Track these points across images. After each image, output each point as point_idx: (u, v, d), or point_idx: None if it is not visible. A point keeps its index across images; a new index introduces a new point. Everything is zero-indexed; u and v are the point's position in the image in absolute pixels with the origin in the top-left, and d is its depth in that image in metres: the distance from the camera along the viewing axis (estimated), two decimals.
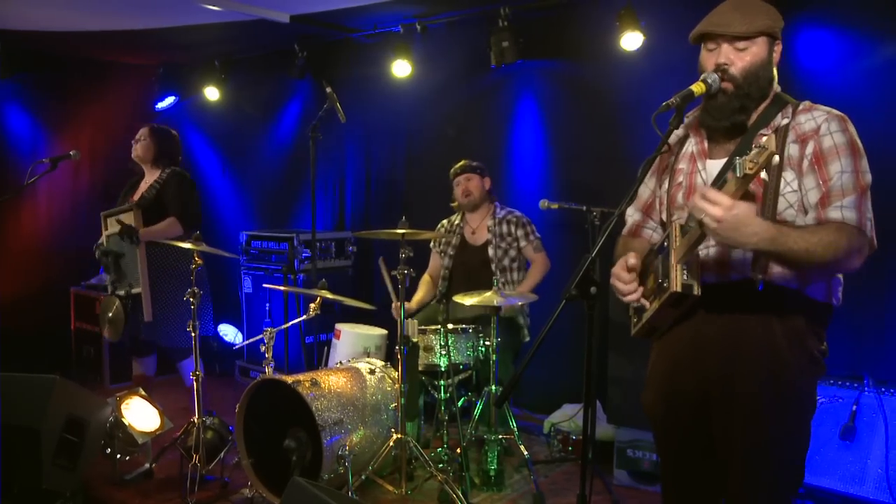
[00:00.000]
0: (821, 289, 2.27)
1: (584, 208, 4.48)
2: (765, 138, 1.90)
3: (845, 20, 4.27)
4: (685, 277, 2.12)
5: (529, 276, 4.92)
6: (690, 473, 2.46)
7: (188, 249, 4.32)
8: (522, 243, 4.94)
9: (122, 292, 4.75)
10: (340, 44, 6.65)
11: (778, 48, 2.33)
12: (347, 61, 6.69)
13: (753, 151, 1.90)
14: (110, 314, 4.75)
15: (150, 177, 4.99)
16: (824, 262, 2.11)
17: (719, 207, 1.95)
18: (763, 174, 2.11)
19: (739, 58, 2.26)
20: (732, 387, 2.26)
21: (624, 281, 2.31)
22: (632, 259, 2.31)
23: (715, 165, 2.34)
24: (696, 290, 2.13)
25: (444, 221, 5.29)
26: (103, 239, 4.88)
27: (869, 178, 2.20)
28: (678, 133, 2.52)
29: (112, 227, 4.77)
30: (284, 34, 6.33)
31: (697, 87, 2.24)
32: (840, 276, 2.33)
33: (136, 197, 4.92)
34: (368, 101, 6.51)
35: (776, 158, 2.02)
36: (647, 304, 2.30)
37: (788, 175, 2.21)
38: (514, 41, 5.30)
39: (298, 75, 6.63)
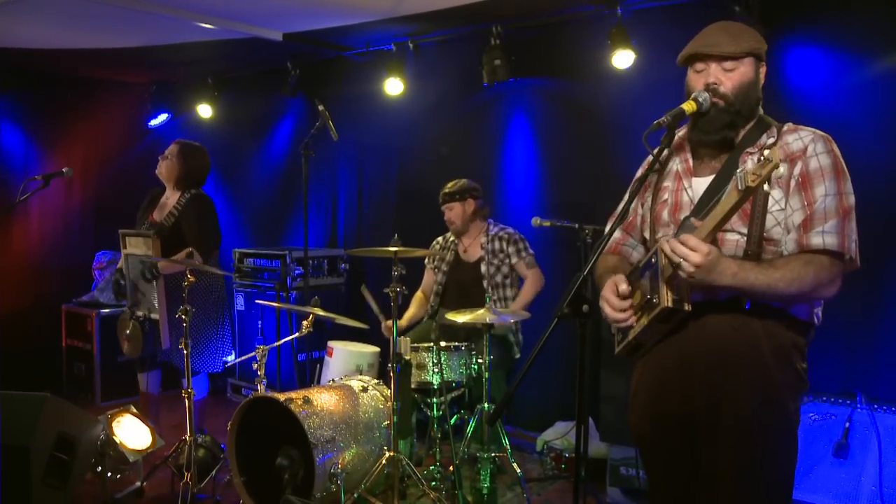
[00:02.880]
0: (804, 308, 2.31)
1: (577, 226, 4.48)
2: (767, 151, 1.92)
3: (832, 39, 4.31)
4: (675, 293, 2.14)
5: (522, 294, 4.89)
6: (679, 492, 2.45)
7: (203, 273, 4.42)
8: (514, 260, 4.93)
9: (140, 314, 4.69)
10: (333, 62, 6.68)
11: (763, 70, 2.37)
12: (340, 79, 6.72)
13: (755, 164, 1.92)
14: (128, 332, 4.72)
15: (171, 197, 4.84)
16: (788, 296, 2.19)
17: (699, 254, 2.04)
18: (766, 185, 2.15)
19: (728, 77, 2.30)
20: (720, 405, 2.26)
21: (615, 307, 2.33)
22: (623, 285, 2.32)
23: (701, 183, 2.36)
24: (687, 306, 2.15)
25: (440, 238, 5.30)
26: (122, 261, 4.77)
27: (852, 199, 2.24)
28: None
29: (131, 246, 4.67)
30: (277, 52, 6.36)
31: (688, 106, 2.27)
32: None
33: (155, 217, 4.81)
34: (361, 118, 6.52)
35: (780, 170, 2.06)
36: (633, 321, 2.31)
37: (776, 193, 2.23)
38: (507, 59, 5.33)
39: (291, 93, 6.67)
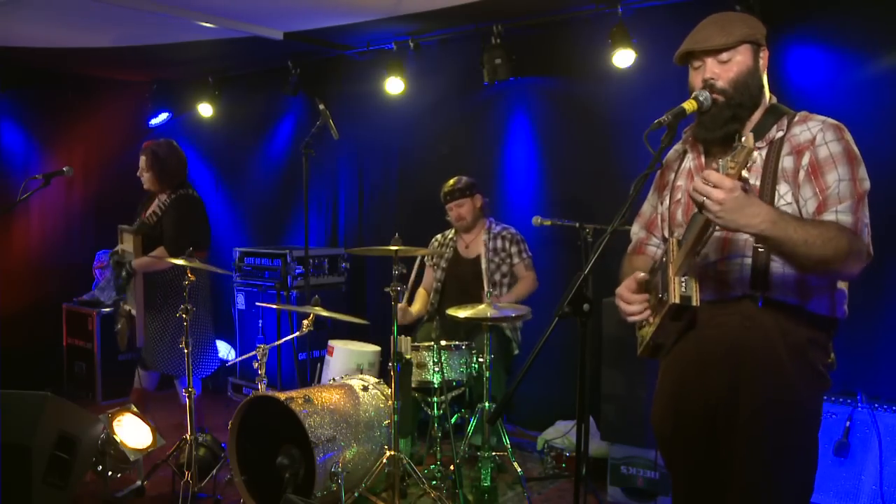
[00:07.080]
0: (823, 303, 2.25)
1: (577, 225, 4.48)
2: (744, 138, 1.87)
3: (833, 38, 4.31)
4: (683, 289, 2.12)
5: (515, 289, 4.91)
6: (701, 491, 2.43)
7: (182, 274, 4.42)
8: (515, 260, 4.94)
9: (127, 308, 4.83)
10: (334, 61, 6.68)
11: (764, 55, 2.33)
12: (340, 78, 6.71)
13: (733, 152, 1.91)
14: (119, 326, 4.79)
15: (161, 197, 4.92)
16: (822, 258, 2.03)
17: (721, 190, 1.89)
18: (756, 181, 2.18)
19: (725, 70, 2.28)
20: (736, 405, 2.25)
21: (628, 301, 2.32)
22: (640, 273, 2.32)
23: None
24: (696, 301, 2.13)
25: (438, 236, 5.29)
26: (119, 248, 4.91)
27: (867, 185, 2.19)
28: (677, 149, 2.55)
29: (125, 242, 4.84)
30: (278, 51, 6.36)
31: (689, 105, 2.26)
32: (844, 287, 2.31)
33: (145, 215, 4.90)
34: (361, 117, 6.52)
35: (755, 155, 2.06)
36: (650, 318, 2.31)
37: (782, 188, 2.22)
38: (507, 58, 5.32)
39: (292, 92, 6.66)
